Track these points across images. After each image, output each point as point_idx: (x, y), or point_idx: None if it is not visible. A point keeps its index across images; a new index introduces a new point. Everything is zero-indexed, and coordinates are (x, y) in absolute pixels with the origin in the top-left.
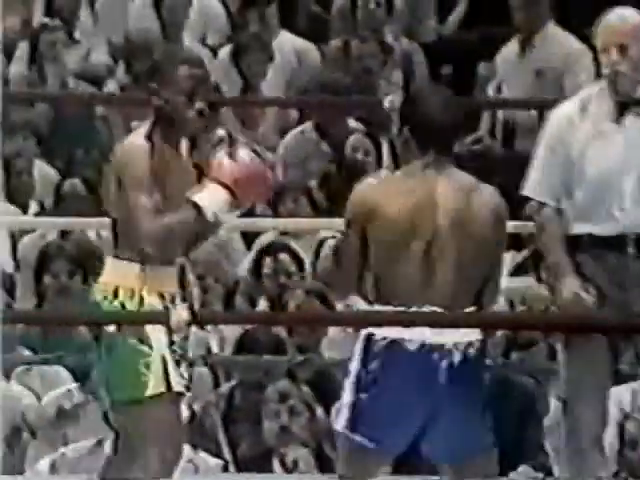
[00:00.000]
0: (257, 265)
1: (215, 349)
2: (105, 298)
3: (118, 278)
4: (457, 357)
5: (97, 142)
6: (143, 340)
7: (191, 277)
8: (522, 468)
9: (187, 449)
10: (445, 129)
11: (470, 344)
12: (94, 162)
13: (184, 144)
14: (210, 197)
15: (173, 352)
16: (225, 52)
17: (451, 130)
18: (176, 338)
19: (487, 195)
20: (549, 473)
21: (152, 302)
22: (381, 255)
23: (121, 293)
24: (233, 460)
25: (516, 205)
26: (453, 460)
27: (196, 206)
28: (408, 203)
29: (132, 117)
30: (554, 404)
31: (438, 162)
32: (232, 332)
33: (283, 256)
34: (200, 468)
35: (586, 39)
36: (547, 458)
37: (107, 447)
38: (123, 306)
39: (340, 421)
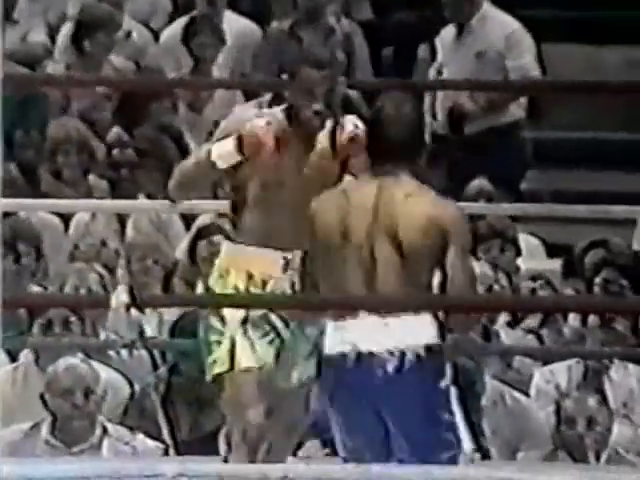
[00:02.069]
0: (193, 248)
1: (151, 332)
2: (221, 276)
3: (228, 260)
4: (391, 365)
5: (37, 122)
6: (222, 317)
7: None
8: None
9: (125, 432)
10: (397, 144)
11: (405, 352)
12: (33, 143)
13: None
14: (220, 146)
15: (245, 331)
16: (175, 32)
17: (404, 145)
18: (252, 315)
19: (421, 203)
20: (486, 453)
21: (237, 282)
22: (318, 259)
23: (232, 273)
24: (173, 443)
25: (459, 186)
26: None
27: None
28: (342, 208)
29: (75, 96)
30: (490, 384)
31: (386, 170)
32: (171, 315)
33: (218, 239)
34: (139, 451)
35: (522, 20)
36: (485, 439)
37: (44, 430)
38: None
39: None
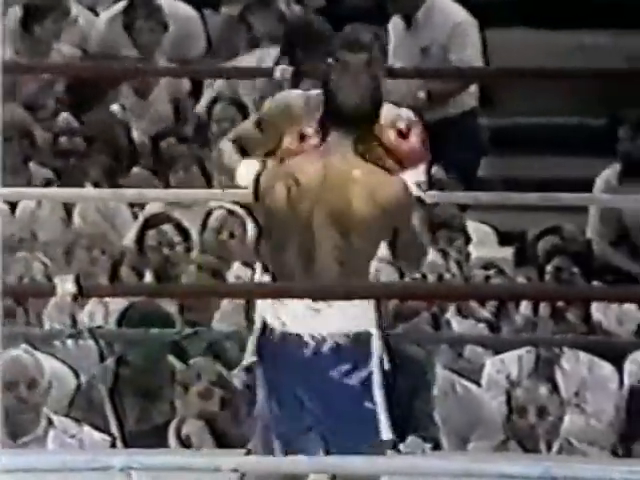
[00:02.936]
0: (142, 237)
1: (88, 321)
2: None
3: None
4: (309, 349)
5: None
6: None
7: None
8: (411, 439)
9: (71, 424)
10: (351, 112)
11: (327, 336)
12: None
13: None
14: (244, 171)
15: None
16: (114, 17)
17: (360, 114)
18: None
19: (369, 186)
20: (437, 444)
21: None
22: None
23: None
24: (120, 435)
25: None
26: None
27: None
28: (289, 189)
29: (20, 82)
30: (441, 374)
31: (339, 144)
32: (118, 305)
33: (167, 228)
34: (85, 443)
35: (471, 7)
36: (436, 429)
37: None
38: None
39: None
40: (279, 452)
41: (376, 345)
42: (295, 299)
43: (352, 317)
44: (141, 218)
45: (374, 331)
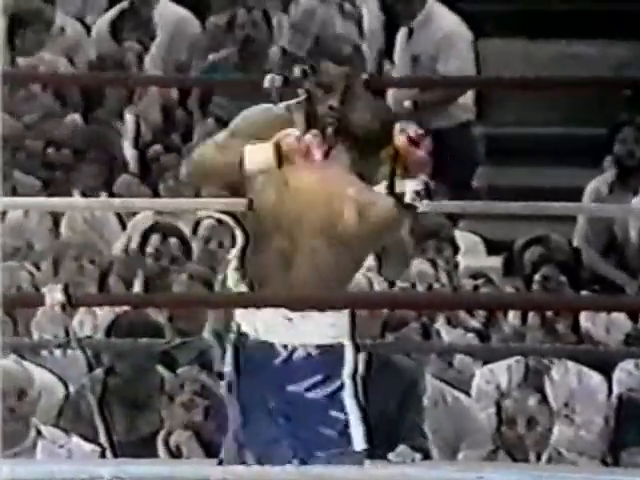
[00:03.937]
0: (139, 245)
1: (76, 331)
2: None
3: None
4: (280, 359)
5: None
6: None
7: None
8: (401, 449)
9: (60, 434)
10: (360, 132)
11: (299, 346)
12: None
13: None
14: (257, 152)
15: None
16: (104, 26)
17: (369, 135)
18: None
19: (363, 201)
20: (427, 454)
21: None
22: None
23: None
24: (109, 445)
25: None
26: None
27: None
28: (279, 192)
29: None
30: (431, 383)
31: (340, 159)
32: (107, 315)
33: (156, 237)
34: (74, 453)
35: (469, 17)
36: (426, 439)
37: None
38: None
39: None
40: (251, 462)
41: (348, 356)
42: (278, 308)
43: (326, 328)
44: (130, 228)
45: (347, 342)
